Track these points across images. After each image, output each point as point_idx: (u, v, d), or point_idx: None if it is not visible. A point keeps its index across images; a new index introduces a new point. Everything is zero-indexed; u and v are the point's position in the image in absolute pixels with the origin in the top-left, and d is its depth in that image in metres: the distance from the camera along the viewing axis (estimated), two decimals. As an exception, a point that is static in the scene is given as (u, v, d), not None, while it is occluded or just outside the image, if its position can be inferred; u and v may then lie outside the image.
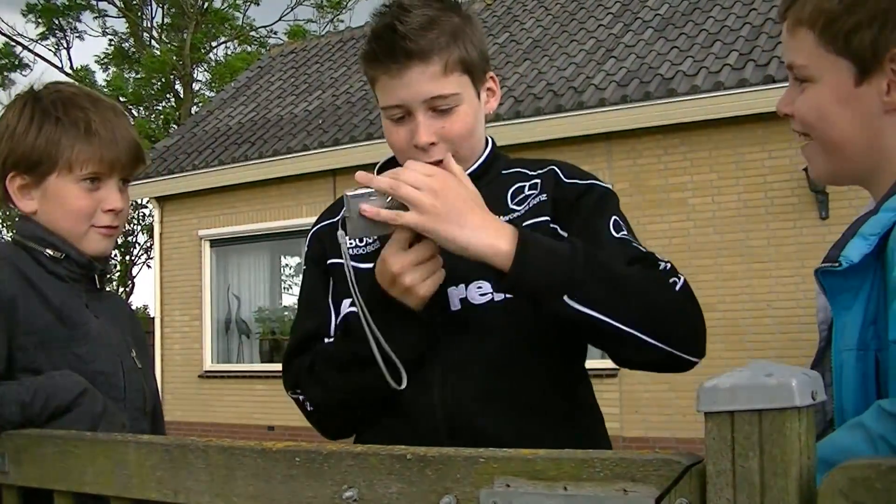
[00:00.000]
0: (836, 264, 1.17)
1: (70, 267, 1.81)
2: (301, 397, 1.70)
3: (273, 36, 31.90)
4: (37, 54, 33.38)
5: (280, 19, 41.16)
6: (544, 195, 1.67)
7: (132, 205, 27.02)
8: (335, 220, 1.79)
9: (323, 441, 1.20)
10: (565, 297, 1.41)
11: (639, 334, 1.44)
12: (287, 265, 15.12)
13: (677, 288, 1.50)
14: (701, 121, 9.75)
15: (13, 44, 30.71)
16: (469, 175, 1.67)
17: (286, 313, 14.11)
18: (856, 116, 1.27)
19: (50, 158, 1.79)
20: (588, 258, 1.43)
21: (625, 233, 1.61)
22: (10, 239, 1.93)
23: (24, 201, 1.83)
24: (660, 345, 1.46)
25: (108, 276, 1.93)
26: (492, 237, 1.43)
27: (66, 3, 30.41)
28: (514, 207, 1.68)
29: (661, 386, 9.84)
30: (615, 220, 1.63)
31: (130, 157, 1.85)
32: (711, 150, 9.93)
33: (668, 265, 1.54)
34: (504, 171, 1.74)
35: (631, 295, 1.45)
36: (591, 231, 1.59)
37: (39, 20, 30.37)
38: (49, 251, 1.80)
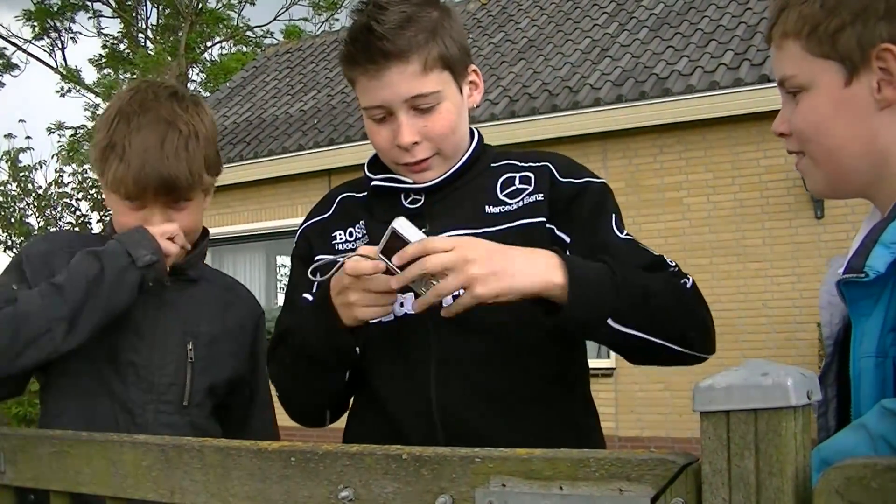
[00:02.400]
0: (862, 275, 1.16)
1: None
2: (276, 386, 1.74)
3: (269, 36, 31.85)
4: (30, 54, 33.28)
5: (275, 19, 41.02)
6: (540, 195, 1.65)
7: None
8: (324, 216, 1.79)
9: (318, 441, 1.20)
10: (609, 321, 1.43)
11: (666, 343, 1.49)
12: (283, 265, 15.08)
13: (688, 287, 1.55)
14: (696, 120, 9.76)
15: (6, 45, 30.58)
16: (456, 170, 1.68)
17: (282, 313, 14.08)
18: (850, 118, 1.27)
19: (103, 173, 1.84)
20: (625, 280, 1.44)
21: (627, 233, 1.63)
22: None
23: (105, 198, 1.91)
24: (681, 349, 1.51)
25: (185, 269, 1.94)
26: (543, 273, 1.39)
27: (60, 4, 30.31)
28: (505, 199, 1.66)
29: (657, 385, 9.84)
30: (615, 218, 1.64)
31: (159, 186, 1.81)
32: (707, 149, 9.93)
33: (676, 267, 1.59)
34: (493, 164, 1.73)
35: (659, 309, 1.48)
36: (597, 236, 1.60)
37: (34, 24, 30.23)
38: None
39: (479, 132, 1.76)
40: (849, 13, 1.24)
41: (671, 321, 1.49)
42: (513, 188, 1.68)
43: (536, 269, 1.39)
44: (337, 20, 31.25)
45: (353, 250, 1.68)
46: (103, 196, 1.91)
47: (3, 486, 1.47)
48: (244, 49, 31.49)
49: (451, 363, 1.58)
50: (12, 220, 20.20)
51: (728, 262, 9.70)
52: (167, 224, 1.83)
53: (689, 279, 1.56)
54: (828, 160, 1.31)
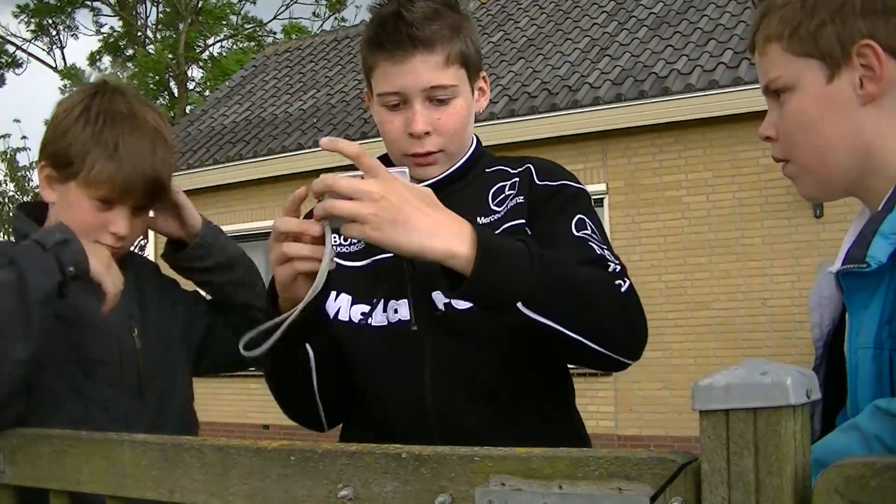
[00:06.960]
0: (864, 265, 1.16)
1: None
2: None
3: (272, 34, 31.85)
4: (30, 54, 33.28)
5: (275, 18, 41.07)
6: (521, 197, 1.67)
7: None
8: None
9: (318, 440, 1.20)
10: (519, 305, 1.37)
11: (585, 341, 1.43)
12: (282, 264, 15.10)
13: (623, 290, 1.49)
14: (696, 119, 9.77)
15: (6, 43, 30.60)
16: (453, 172, 1.69)
17: (281, 312, 14.08)
18: (834, 115, 1.27)
19: (74, 167, 1.81)
20: (544, 265, 1.38)
21: (587, 231, 1.59)
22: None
23: (47, 190, 1.87)
24: (602, 350, 1.45)
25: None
26: (447, 241, 1.33)
27: (59, 1, 30.28)
28: (495, 209, 1.67)
29: (656, 384, 9.85)
30: (579, 218, 1.61)
31: (145, 190, 1.84)
32: (706, 148, 9.94)
33: (618, 267, 1.54)
34: (488, 170, 1.74)
35: (581, 302, 1.42)
36: (551, 231, 1.58)
37: (31, 20, 30.22)
38: None
39: (477, 138, 1.78)
40: (828, 11, 1.26)
41: (588, 315, 1.43)
42: (502, 196, 1.69)
43: (441, 235, 1.32)
44: (345, 20, 31.33)
45: (346, 254, 1.70)
46: (51, 189, 1.85)
47: (3, 485, 1.47)
48: (247, 45, 31.48)
49: (445, 369, 1.58)
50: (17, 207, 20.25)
51: (727, 260, 9.70)
52: (123, 229, 1.83)
53: (625, 281, 1.51)
54: (816, 161, 1.31)
